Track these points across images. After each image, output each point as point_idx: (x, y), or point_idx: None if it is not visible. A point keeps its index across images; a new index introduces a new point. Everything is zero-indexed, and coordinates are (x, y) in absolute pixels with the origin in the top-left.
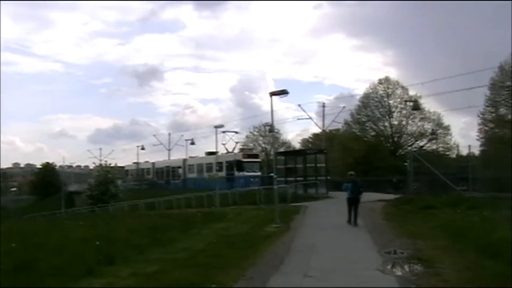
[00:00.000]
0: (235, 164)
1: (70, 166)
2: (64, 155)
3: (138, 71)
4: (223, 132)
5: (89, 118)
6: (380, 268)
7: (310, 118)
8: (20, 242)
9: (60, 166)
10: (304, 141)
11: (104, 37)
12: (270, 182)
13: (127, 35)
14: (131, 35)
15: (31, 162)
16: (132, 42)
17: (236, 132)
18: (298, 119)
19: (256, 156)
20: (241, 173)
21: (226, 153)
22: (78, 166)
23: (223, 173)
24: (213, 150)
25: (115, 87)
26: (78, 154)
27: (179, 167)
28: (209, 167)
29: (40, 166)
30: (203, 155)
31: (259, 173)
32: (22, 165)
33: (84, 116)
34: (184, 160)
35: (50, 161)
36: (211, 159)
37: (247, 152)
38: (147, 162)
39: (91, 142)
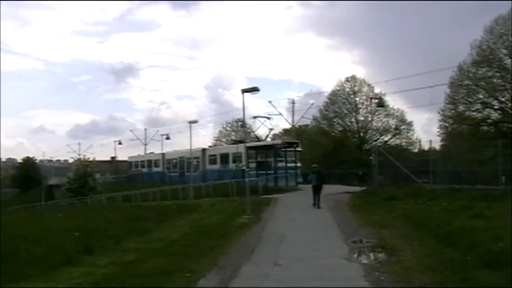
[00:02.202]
0: (272, 154)
1: (50, 160)
2: (44, 150)
3: (115, 68)
4: (254, 117)
5: (68, 113)
6: (347, 256)
7: (280, 114)
8: (1, 233)
9: (40, 160)
10: (275, 137)
11: (82, 36)
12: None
13: (104, 34)
14: (109, 33)
15: (12, 157)
16: (109, 41)
17: (268, 118)
18: (269, 115)
19: (296, 144)
20: (279, 164)
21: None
22: (58, 160)
23: (255, 164)
24: (240, 139)
25: (93, 84)
26: (57, 149)
27: (197, 158)
28: (237, 157)
29: (21, 161)
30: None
31: (299, 164)
32: (3, 159)
33: (63, 111)
34: (204, 150)
35: (31, 156)
36: (239, 148)
37: (287, 140)
38: (152, 153)
39: (70, 137)
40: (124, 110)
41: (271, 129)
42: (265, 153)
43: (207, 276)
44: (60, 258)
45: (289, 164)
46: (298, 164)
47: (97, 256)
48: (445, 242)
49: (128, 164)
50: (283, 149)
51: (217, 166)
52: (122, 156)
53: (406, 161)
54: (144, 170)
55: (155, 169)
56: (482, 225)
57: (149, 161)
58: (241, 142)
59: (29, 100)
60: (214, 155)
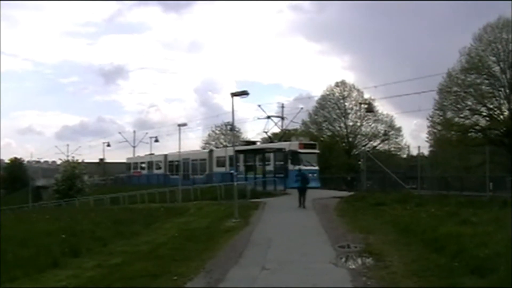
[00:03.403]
0: (289, 156)
1: (38, 162)
2: (31, 151)
3: (104, 70)
4: (268, 117)
5: (57, 115)
6: (334, 261)
7: (269, 117)
8: None
9: (28, 162)
10: (264, 140)
11: (72, 37)
12: (230, 178)
13: (94, 35)
14: (98, 35)
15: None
16: (99, 42)
17: (282, 118)
18: (258, 118)
19: (314, 146)
20: (296, 167)
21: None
22: (46, 162)
23: (269, 167)
24: (253, 139)
25: (82, 86)
26: (45, 150)
27: (203, 160)
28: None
29: (8, 161)
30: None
31: (317, 167)
32: None
33: (51, 113)
34: (211, 151)
35: (18, 156)
36: (267, 148)
37: (304, 141)
38: (152, 154)
39: (58, 138)
40: (113, 112)
41: (285, 131)
42: (254, 156)
43: (194, 279)
44: (46, 260)
45: (306, 167)
46: (316, 167)
47: (83, 259)
48: (432, 248)
49: (126, 165)
50: (300, 152)
51: (225, 169)
52: (111, 158)
53: (394, 166)
54: (144, 171)
55: (156, 171)
56: (468, 231)
57: (150, 162)
58: (252, 143)
59: (17, 100)
60: (223, 156)
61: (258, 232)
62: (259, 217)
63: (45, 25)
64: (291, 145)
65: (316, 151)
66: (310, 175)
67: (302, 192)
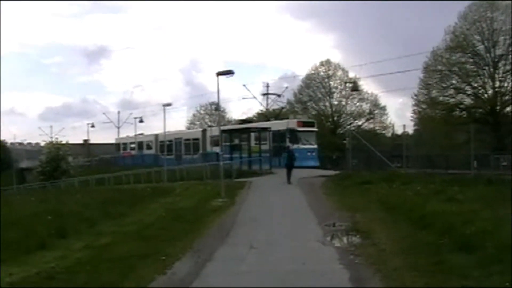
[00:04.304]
0: (287, 134)
1: (21, 143)
2: (15, 132)
3: (88, 50)
4: (263, 94)
5: (40, 96)
6: (321, 239)
7: (255, 97)
8: None
9: (11, 143)
10: (244, 121)
11: (55, 17)
12: (213, 158)
13: (78, 15)
14: (83, 14)
15: None
16: (83, 22)
17: (278, 96)
18: (244, 98)
19: (312, 124)
20: (295, 146)
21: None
22: (29, 143)
23: (266, 146)
24: (246, 117)
25: (66, 66)
26: (29, 132)
27: (196, 139)
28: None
29: None
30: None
31: (315, 146)
32: None
33: (35, 94)
34: (204, 130)
35: (1, 138)
36: (252, 128)
37: (302, 119)
38: (141, 134)
39: (42, 120)
40: (97, 92)
41: (282, 108)
42: (239, 136)
43: (182, 259)
44: (33, 242)
45: (305, 146)
46: (314, 146)
47: (71, 240)
48: (419, 226)
49: (115, 146)
50: (299, 130)
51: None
52: (95, 139)
53: (379, 145)
54: (134, 152)
55: (147, 151)
56: (455, 209)
57: (140, 142)
58: (249, 121)
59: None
60: (217, 135)
61: (245, 211)
62: (245, 197)
63: (28, 5)
64: (289, 123)
65: (315, 129)
66: (309, 153)
67: (289, 168)
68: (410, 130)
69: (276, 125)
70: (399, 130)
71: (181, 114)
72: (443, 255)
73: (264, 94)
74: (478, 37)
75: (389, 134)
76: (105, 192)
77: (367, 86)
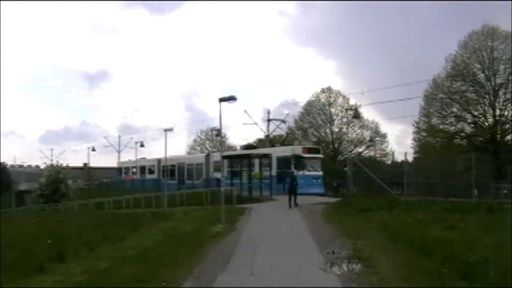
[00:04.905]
0: (292, 160)
1: (21, 166)
2: (15, 154)
3: (88, 73)
4: (268, 120)
5: (40, 118)
6: (322, 267)
7: (256, 123)
8: None
9: (11, 165)
10: (248, 146)
11: (56, 39)
12: (216, 184)
13: (78, 38)
14: (82, 38)
15: None
16: (83, 45)
17: (283, 121)
18: (244, 124)
19: (318, 150)
20: (300, 172)
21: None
22: (29, 166)
23: (273, 172)
24: (246, 143)
25: (66, 89)
26: (28, 154)
27: (199, 164)
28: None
29: None
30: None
31: (321, 173)
32: None
33: (35, 116)
34: (207, 155)
35: (1, 160)
36: (253, 154)
37: (308, 145)
38: (143, 158)
39: (42, 142)
40: (97, 116)
41: (288, 133)
42: (240, 162)
43: (183, 285)
44: (32, 265)
45: (311, 173)
46: (320, 173)
47: (70, 264)
48: (421, 253)
49: (117, 170)
50: (304, 156)
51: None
52: (95, 162)
53: (379, 172)
54: (136, 176)
55: (149, 176)
56: (456, 236)
57: (143, 167)
58: (253, 147)
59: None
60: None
61: (245, 237)
62: (246, 223)
63: (28, 27)
64: (295, 149)
65: (320, 155)
66: (314, 180)
67: (291, 193)
68: (410, 157)
69: (281, 151)
70: (399, 158)
71: (181, 139)
72: (445, 283)
73: (269, 120)
74: (478, 66)
75: (389, 162)
76: (105, 216)
77: (368, 113)
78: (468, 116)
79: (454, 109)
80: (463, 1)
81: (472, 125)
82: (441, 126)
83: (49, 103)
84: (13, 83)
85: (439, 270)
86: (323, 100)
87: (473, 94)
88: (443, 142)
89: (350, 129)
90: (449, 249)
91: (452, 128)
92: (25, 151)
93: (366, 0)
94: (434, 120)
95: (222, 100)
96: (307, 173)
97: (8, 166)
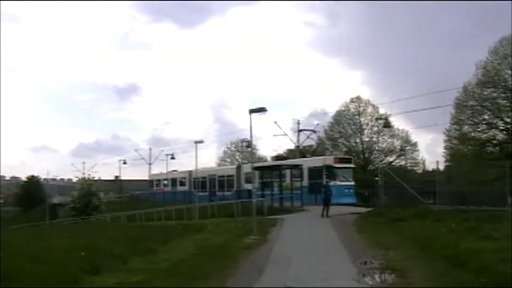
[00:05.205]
0: (324, 171)
1: (54, 179)
2: (47, 168)
3: (119, 87)
4: (300, 130)
5: (72, 132)
6: (356, 278)
7: (286, 134)
8: (5, 251)
9: (44, 179)
10: (279, 157)
11: (87, 54)
12: (247, 195)
13: (108, 52)
14: (113, 52)
15: (15, 175)
16: (114, 59)
17: (314, 132)
18: (274, 135)
19: (349, 160)
20: (331, 182)
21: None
22: (62, 179)
23: (304, 182)
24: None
25: (97, 103)
26: (61, 167)
27: (231, 176)
28: (279, 175)
29: (25, 179)
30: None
31: (353, 183)
32: (7, 178)
33: (67, 130)
34: (238, 167)
35: (35, 174)
36: (283, 165)
37: (339, 155)
38: (175, 171)
39: (74, 156)
40: (127, 129)
41: (319, 144)
42: (271, 173)
43: None
44: (65, 278)
45: (342, 183)
46: (352, 183)
47: (103, 276)
48: (454, 264)
49: (148, 182)
50: (336, 167)
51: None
52: (126, 175)
53: (411, 181)
54: (167, 188)
55: (180, 188)
56: (490, 246)
57: (174, 179)
58: (283, 158)
59: (33, 118)
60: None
61: (278, 249)
62: (278, 234)
63: (59, 42)
64: (326, 159)
65: (352, 165)
66: (346, 190)
67: (326, 202)
68: (441, 166)
69: (312, 161)
70: (430, 166)
71: (211, 151)
72: None
73: (299, 130)
74: (509, 72)
75: (420, 171)
76: (137, 229)
77: (397, 123)
78: (500, 123)
79: (486, 116)
80: (492, 6)
81: (504, 132)
82: (473, 134)
83: (81, 118)
84: (45, 98)
85: (474, 281)
86: (352, 109)
87: (505, 101)
88: (475, 150)
89: (380, 138)
90: (483, 259)
91: (483, 136)
92: (57, 165)
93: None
94: (466, 128)
95: (252, 111)
96: (339, 183)
97: (41, 180)
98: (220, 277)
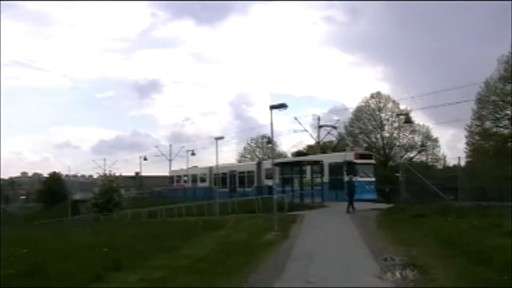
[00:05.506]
0: (345, 167)
1: (75, 176)
2: (69, 165)
3: (139, 84)
4: (320, 126)
5: (93, 129)
6: (378, 274)
7: (306, 130)
8: (30, 248)
9: (66, 175)
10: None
11: (107, 52)
12: (267, 191)
13: (129, 50)
14: (133, 50)
15: (38, 171)
16: (133, 57)
17: (334, 128)
18: (295, 131)
19: (370, 156)
20: (353, 178)
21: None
22: (83, 176)
23: (324, 178)
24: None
25: (118, 100)
26: (82, 164)
27: (251, 172)
28: (299, 171)
29: (47, 175)
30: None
31: (373, 179)
32: (29, 174)
33: (88, 127)
34: (259, 163)
35: (56, 171)
36: (304, 161)
37: (360, 151)
38: (195, 167)
39: (95, 153)
40: (147, 126)
41: (340, 140)
42: (291, 169)
43: None
44: (89, 274)
45: (363, 179)
46: (372, 179)
47: (126, 273)
48: (477, 261)
49: (169, 178)
50: (356, 163)
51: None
52: (146, 171)
53: (432, 177)
54: (188, 185)
55: (200, 184)
56: None
57: (194, 175)
58: (304, 154)
59: (54, 116)
60: (272, 168)
61: (299, 245)
62: (299, 230)
63: (80, 41)
64: (347, 155)
65: (372, 161)
66: (367, 186)
67: (350, 197)
68: (462, 162)
69: (333, 157)
70: (451, 162)
71: (231, 147)
72: None
73: (320, 126)
74: None
75: (440, 167)
76: (158, 225)
77: (418, 118)
78: None
79: (508, 112)
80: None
81: None
82: (495, 129)
83: (101, 114)
84: (66, 96)
85: (498, 278)
86: (372, 105)
87: None
88: (497, 146)
89: (401, 134)
90: (507, 256)
91: (506, 131)
92: (79, 161)
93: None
94: (487, 124)
95: (273, 107)
96: (359, 179)
97: (63, 177)
98: (242, 273)
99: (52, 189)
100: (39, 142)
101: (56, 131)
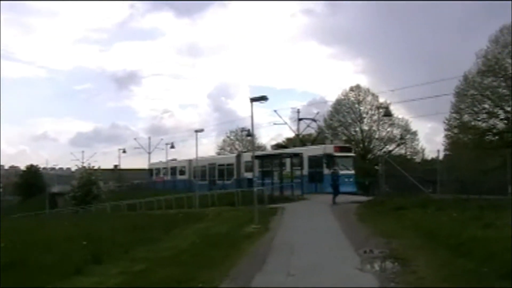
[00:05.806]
0: (324, 160)
1: (53, 168)
2: (46, 157)
3: (117, 76)
4: (299, 119)
5: (71, 121)
6: (359, 266)
7: (286, 123)
8: (8, 240)
9: (44, 168)
10: (279, 146)
11: (85, 43)
12: (247, 184)
13: (107, 42)
14: (111, 41)
15: (14, 164)
16: (112, 49)
17: (314, 120)
18: (275, 124)
19: (349, 149)
20: (338, 170)
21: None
22: (61, 168)
23: (304, 171)
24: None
25: (96, 92)
26: (60, 156)
27: (230, 165)
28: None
29: (24, 168)
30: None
31: (353, 172)
32: (6, 167)
33: (65, 119)
34: (238, 156)
35: (34, 163)
36: (284, 153)
37: (339, 144)
38: (174, 160)
39: (73, 145)
40: (126, 118)
41: (319, 132)
42: (271, 162)
43: (220, 286)
44: (69, 267)
45: (342, 172)
46: (352, 172)
47: (106, 265)
48: (458, 253)
49: (148, 171)
50: (336, 155)
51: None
52: (125, 164)
53: (411, 170)
54: (167, 177)
55: (180, 177)
56: (494, 235)
57: (173, 168)
58: (283, 147)
59: (31, 107)
60: (251, 161)
61: (280, 237)
62: (279, 223)
63: (58, 32)
64: (326, 148)
65: (352, 154)
66: (346, 179)
67: (335, 188)
68: (440, 155)
69: (312, 150)
70: (429, 155)
71: (210, 140)
72: (486, 283)
73: (299, 119)
74: (510, 61)
75: (419, 160)
76: (138, 218)
77: (397, 111)
78: (500, 112)
79: (486, 105)
80: None
81: (505, 121)
82: (473, 123)
83: (79, 106)
84: (42, 88)
85: (478, 269)
86: (352, 98)
87: (505, 90)
88: (475, 139)
89: (380, 127)
90: (487, 248)
91: (484, 125)
92: (56, 154)
93: None
94: (466, 117)
95: (253, 100)
96: (339, 172)
97: (40, 169)
98: (223, 266)
99: (30, 182)
100: (15, 134)
101: (33, 123)
